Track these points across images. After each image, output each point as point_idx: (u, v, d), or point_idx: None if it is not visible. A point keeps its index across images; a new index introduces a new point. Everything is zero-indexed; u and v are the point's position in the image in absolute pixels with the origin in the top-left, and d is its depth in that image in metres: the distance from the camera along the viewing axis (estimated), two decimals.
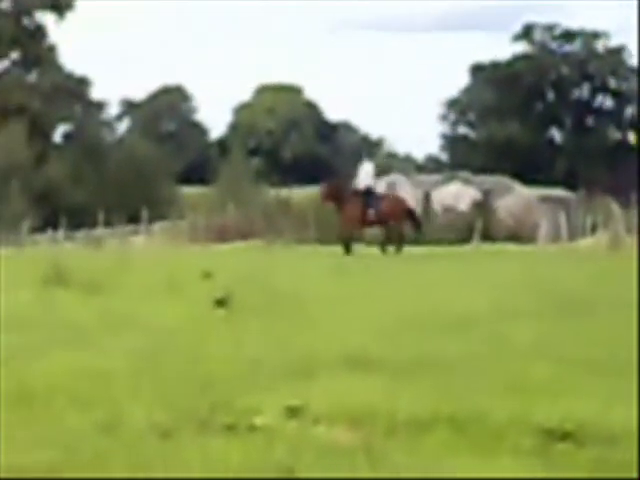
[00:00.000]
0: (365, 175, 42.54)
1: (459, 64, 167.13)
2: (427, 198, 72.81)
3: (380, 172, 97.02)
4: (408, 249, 41.76)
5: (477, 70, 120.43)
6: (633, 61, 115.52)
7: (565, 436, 8.49)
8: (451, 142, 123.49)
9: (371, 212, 40.99)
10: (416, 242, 52.05)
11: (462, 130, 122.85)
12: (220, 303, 17.16)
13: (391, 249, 40.65)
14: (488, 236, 57.39)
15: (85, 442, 8.46)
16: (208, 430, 8.85)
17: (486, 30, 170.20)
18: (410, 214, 43.32)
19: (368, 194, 41.44)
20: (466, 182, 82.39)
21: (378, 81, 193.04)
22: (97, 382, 10.86)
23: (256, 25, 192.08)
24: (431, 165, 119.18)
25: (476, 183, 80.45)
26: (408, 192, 76.66)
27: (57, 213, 67.15)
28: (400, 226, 41.92)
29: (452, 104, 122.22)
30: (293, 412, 9.25)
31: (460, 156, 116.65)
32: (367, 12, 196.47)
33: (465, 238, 57.87)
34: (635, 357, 11.76)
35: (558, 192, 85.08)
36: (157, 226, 70.74)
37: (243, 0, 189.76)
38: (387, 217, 41.16)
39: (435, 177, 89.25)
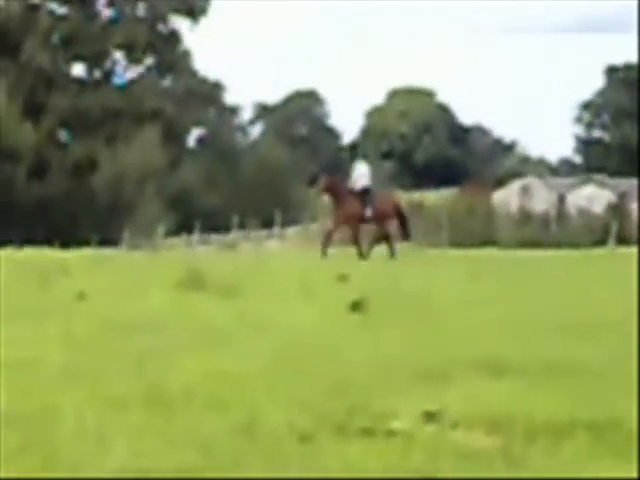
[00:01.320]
0: (360, 175, 42.31)
1: (594, 66, 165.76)
2: (562, 201, 72.35)
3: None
4: (544, 252, 41.59)
5: (611, 72, 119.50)
6: None
7: None
8: (585, 145, 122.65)
9: (368, 211, 41.49)
10: (550, 245, 51.78)
11: (596, 133, 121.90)
12: (355, 306, 17.19)
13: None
14: (623, 239, 56.94)
15: (223, 444, 8.49)
16: (345, 434, 8.84)
17: (621, 32, 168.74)
18: (401, 216, 43.61)
19: (365, 193, 41.69)
20: (601, 185, 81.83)
21: (511, 83, 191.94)
22: (234, 384, 10.91)
23: (388, 28, 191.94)
24: (565, 168, 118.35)
25: (611, 186, 79.88)
26: (542, 195, 76.24)
27: (191, 217, 67.65)
28: (389, 226, 42.96)
29: (586, 106, 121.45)
30: (430, 416, 9.22)
31: (594, 159, 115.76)
32: (501, 14, 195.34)
33: (600, 241, 57.44)
34: None
35: None
36: (290, 230, 71.06)
37: (375, 1, 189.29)
38: (382, 216, 41.99)
39: (569, 180, 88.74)
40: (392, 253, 41.64)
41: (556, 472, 7.74)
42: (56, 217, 59.33)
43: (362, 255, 40.84)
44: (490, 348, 13.14)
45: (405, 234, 44.76)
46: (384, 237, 42.80)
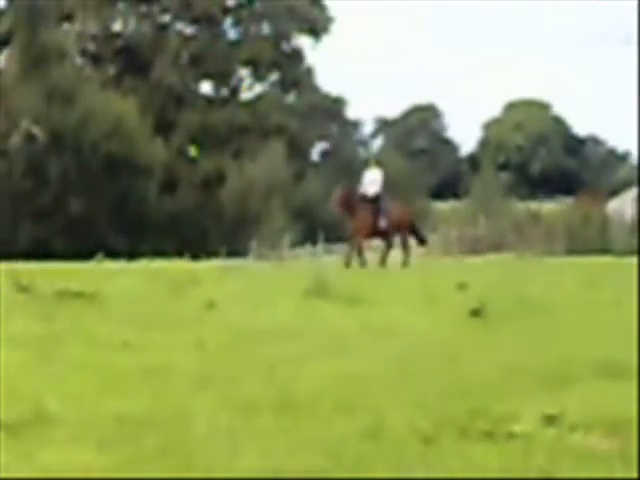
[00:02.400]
0: (370, 182, 39.92)
1: None
2: None
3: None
4: None
5: None
6: None
7: None
8: None
9: (382, 221, 38.75)
10: None
11: None
12: (475, 313, 17.17)
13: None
14: None
15: (349, 446, 8.56)
16: (467, 436, 8.87)
17: None
18: (412, 225, 41.53)
19: (376, 201, 39.10)
20: None
21: (625, 94, 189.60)
22: (359, 389, 10.97)
23: (504, 39, 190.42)
24: None
25: None
26: None
27: (315, 228, 67.80)
28: (407, 236, 40.48)
29: None
30: (550, 419, 9.21)
31: None
32: (615, 25, 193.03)
33: None
34: None
35: None
36: (411, 240, 70.99)
37: (490, 12, 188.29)
38: (398, 226, 39.49)
39: None
40: (407, 263, 38.99)
41: None
42: (186, 230, 59.66)
43: (348, 265, 37.08)
44: (608, 352, 13.07)
45: (420, 240, 43.06)
46: (389, 246, 39.88)
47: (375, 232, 38.84)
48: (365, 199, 38.50)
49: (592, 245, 55.90)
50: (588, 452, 8.39)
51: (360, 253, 37.72)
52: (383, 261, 38.39)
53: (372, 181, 39.14)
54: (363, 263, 37.42)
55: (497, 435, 8.88)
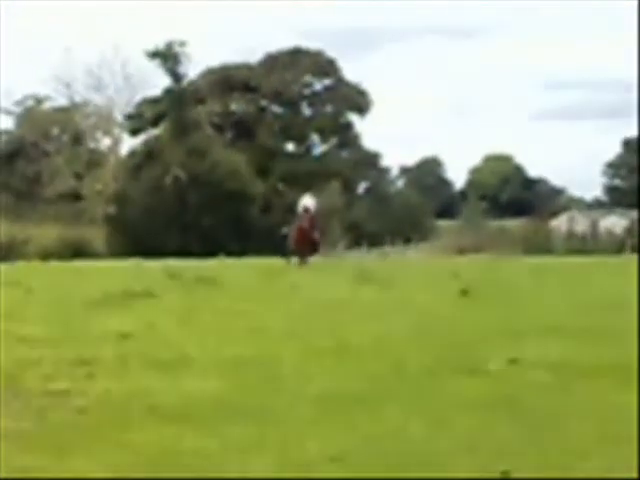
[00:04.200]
0: (306, 205, 32.70)
1: (615, 139, 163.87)
2: (594, 226, 70.76)
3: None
4: (583, 257, 40.77)
5: (627, 143, 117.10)
6: None
7: None
8: (609, 189, 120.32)
9: (315, 233, 31.99)
10: (587, 253, 50.72)
11: (617, 181, 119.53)
12: (464, 292, 17.06)
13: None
14: (635, 250, 55.36)
15: (381, 378, 8.50)
16: (458, 372, 8.80)
17: (633, 116, 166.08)
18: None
19: (312, 219, 32.35)
20: (621, 215, 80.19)
21: (561, 149, 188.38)
22: (387, 341, 10.92)
23: (487, 109, 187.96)
24: (597, 204, 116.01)
25: (627, 215, 78.10)
26: (582, 221, 74.90)
27: (361, 238, 67.93)
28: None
29: (610, 165, 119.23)
30: (513, 362, 9.15)
31: (615, 198, 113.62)
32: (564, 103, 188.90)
33: (619, 250, 56.05)
34: None
35: None
36: (422, 245, 70.92)
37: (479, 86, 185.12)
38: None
39: (600, 212, 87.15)
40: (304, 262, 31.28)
41: (594, 399, 7.65)
42: (277, 238, 60.43)
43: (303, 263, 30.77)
44: (553, 317, 13.00)
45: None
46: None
47: (310, 240, 31.87)
48: (304, 218, 32.15)
49: (540, 249, 55.53)
50: (537, 383, 8.33)
51: (303, 255, 31.41)
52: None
53: (308, 205, 32.55)
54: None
55: (478, 371, 8.83)
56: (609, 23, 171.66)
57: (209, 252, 45.89)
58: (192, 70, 76.68)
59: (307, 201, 33.04)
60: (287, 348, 10.31)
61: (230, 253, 44.56)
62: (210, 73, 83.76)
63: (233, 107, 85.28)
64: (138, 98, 74.01)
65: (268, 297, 17.36)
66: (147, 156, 68.50)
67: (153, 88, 74.05)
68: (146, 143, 72.06)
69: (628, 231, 67.20)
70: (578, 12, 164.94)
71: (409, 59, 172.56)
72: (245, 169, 69.88)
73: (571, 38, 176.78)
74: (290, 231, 32.27)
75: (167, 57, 69.76)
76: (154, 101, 73.84)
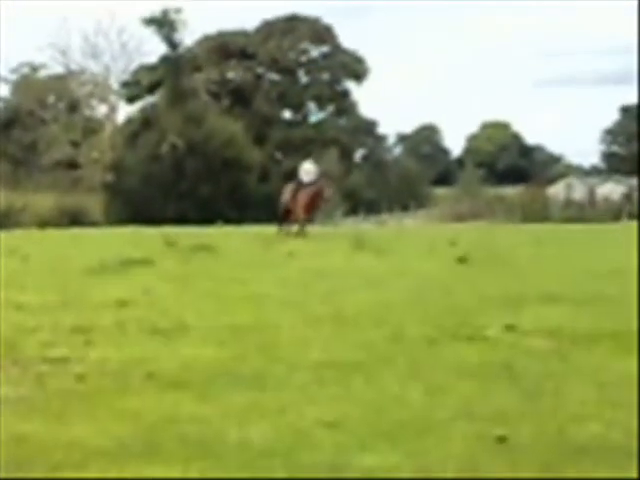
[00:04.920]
0: (305, 172, 29.63)
1: (614, 106, 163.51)
2: (592, 193, 70.74)
3: (561, 176, 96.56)
4: (581, 225, 40.78)
5: (625, 110, 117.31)
6: None
7: None
8: (607, 156, 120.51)
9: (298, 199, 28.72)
10: (584, 221, 50.73)
11: (614, 148, 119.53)
12: (461, 260, 17.07)
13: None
14: (632, 216, 55.39)
15: (379, 346, 8.52)
16: (457, 338, 8.84)
17: (631, 83, 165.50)
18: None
19: (310, 185, 28.91)
20: (617, 182, 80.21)
21: (563, 115, 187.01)
22: (385, 309, 10.92)
23: (484, 80, 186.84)
24: (595, 171, 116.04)
25: (623, 182, 78.12)
26: (580, 189, 74.92)
27: (358, 205, 67.83)
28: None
29: (608, 132, 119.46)
30: (510, 328, 9.18)
31: (613, 165, 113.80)
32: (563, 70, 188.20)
33: (616, 217, 56.10)
34: None
35: None
36: (420, 212, 70.89)
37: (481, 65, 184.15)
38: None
39: (598, 179, 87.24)
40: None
41: (592, 365, 7.69)
42: (274, 206, 60.08)
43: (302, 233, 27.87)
44: (549, 286, 13.00)
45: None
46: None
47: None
48: (303, 185, 29.31)
49: (538, 216, 55.52)
50: (535, 349, 8.35)
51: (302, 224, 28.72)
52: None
53: (307, 172, 29.68)
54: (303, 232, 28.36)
55: (476, 338, 8.85)
56: None
57: (206, 220, 45.82)
58: (188, 37, 76.52)
59: (309, 167, 30.64)
60: (284, 316, 10.33)
61: (227, 221, 44.49)
62: (207, 40, 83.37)
63: (230, 75, 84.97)
64: (134, 65, 73.71)
65: (265, 265, 17.36)
66: (144, 124, 68.27)
67: (149, 55, 73.83)
68: (143, 111, 71.82)
69: (626, 198, 67.23)
70: None
71: (406, 26, 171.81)
72: (242, 137, 69.68)
73: (570, 4, 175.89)
74: (290, 197, 29.23)
75: (163, 24, 69.39)
76: (150, 68, 73.52)
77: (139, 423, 5.97)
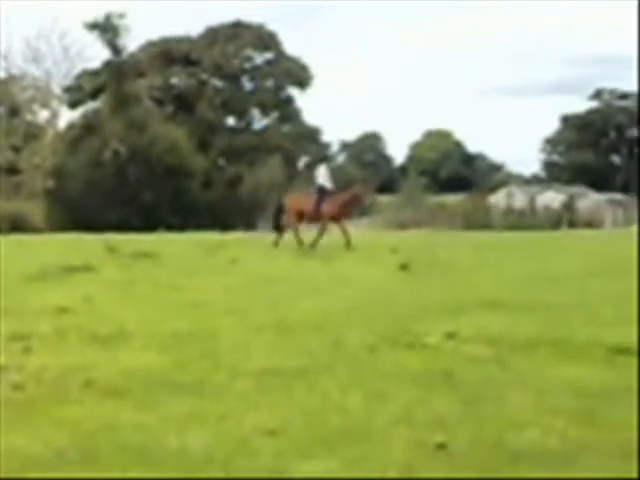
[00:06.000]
0: (320, 175, 27.24)
1: (554, 115, 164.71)
2: (532, 201, 71.54)
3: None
4: (521, 233, 41.16)
5: (565, 119, 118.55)
6: None
7: (626, 350, 8.34)
8: (547, 165, 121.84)
9: (324, 206, 25.95)
10: (525, 228, 51.24)
11: (554, 157, 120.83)
12: (403, 267, 17.14)
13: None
14: (572, 224, 56.24)
15: (321, 353, 8.51)
16: (398, 346, 8.86)
17: (572, 93, 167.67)
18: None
19: (322, 190, 26.56)
20: (557, 190, 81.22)
21: (502, 125, 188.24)
22: (328, 316, 10.87)
23: (428, 88, 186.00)
24: (535, 180, 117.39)
25: (563, 191, 79.22)
26: (520, 197, 75.64)
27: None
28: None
29: (548, 141, 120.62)
30: (450, 335, 9.22)
31: (553, 174, 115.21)
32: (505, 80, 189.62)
33: (556, 225, 56.85)
34: None
35: (618, 196, 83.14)
36: (363, 220, 71.14)
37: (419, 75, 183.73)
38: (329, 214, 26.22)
39: (538, 187, 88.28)
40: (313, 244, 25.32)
41: (530, 372, 7.75)
42: (217, 213, 59.50)
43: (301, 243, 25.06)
44: (488, 293, 13.08)
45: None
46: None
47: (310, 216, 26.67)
48: (315, 191, 27.18)
49: (479, 224, 55.98)
50: (474, 356, 8.40)
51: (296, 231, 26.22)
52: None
53: (321, 175, 27.39)
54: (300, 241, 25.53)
55: (416, 345, 8.88)
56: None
57: (149, 227, 45.56)
58: (132, 43, 76.01)
59: (325, 171, 27.56)
60: (226, 323, 10.29)
61: (170, 228, 44.28)
62: (150, 46, 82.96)
63: (173, 80, 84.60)
64: (77, 70, 73.08)
65: (208, 272, 17.29)
66: (86, 129, 67.72)
67: (92, 60, 73.13)
68: (85, 116, 71.24)
69: (565, 206, 68.08)
70: None
71: (350, 34, 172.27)
72: (185, 143, 69.43)
73: (510, 13, 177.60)
74: (313, 205, 26.34)
75: (106, 29, 68.92)
76: (93, 74, 72.94)
77: (78, 431, 5.91)
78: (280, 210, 27.12)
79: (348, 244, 24.72)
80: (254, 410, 6.38)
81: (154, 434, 5.82)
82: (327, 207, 26.22)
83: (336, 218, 26.44)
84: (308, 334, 9.58)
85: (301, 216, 26.64)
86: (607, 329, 9.50)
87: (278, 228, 26.78)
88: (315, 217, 26.69)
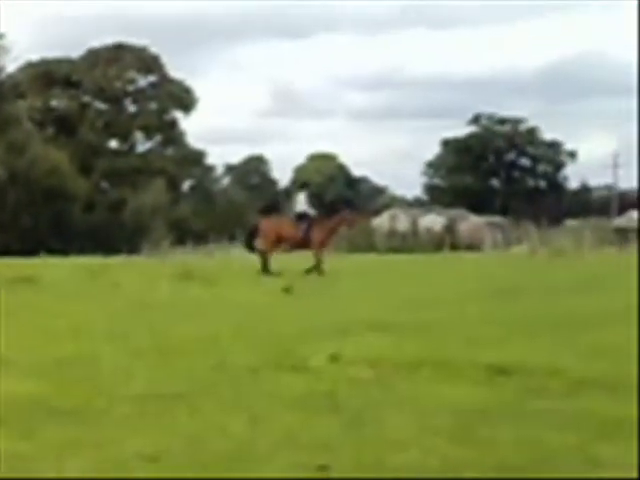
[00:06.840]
0: (298, 202, 27.24)
1: (435, 139, 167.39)
2: (415, 223, 72.61)
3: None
4: (404, 255, 41.68)
5: (445, 143, 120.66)
6: (542, 136, 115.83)
7: (503, 371, 8.51)
8: (429, 188, 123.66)
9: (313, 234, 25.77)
10: (407, 251, 51.90)
11: (436, 181, 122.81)
12: (286, 290, 17.21)
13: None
14: (454, 247, 57.16)
15: (204, 375, 8.48)
16: (281, 368, 8.88)
17: (452, 118, 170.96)
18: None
19: (302, 217, 26.43)
20: (439, 213, 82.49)
21: (384, 151, 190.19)
22: (211, 339, 10.86)
23: (319, 112, 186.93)
24: (417, 203, 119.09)
25: (444, 214, 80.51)
26: (403, 219, 76.65)
27: (185, 235, 67.53)
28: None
29: (429, 165, 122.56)
30: (334, 358, 9.26)
31: (434, 197, 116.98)
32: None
33: (438, 248, 57.68)
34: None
35: (497, 219, 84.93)
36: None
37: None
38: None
39: (420, 210, 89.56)
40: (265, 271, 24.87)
41: (412, 393, 7.84)
42: (100, 237, 58.91)
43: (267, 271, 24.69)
44: (373, 314, 13.21)
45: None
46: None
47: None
48: (294, 216, 26.94)
49: (363, 246, 56.47)
50: (357, 379, 8.46)
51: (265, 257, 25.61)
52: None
53: (299, 202, 27.23)
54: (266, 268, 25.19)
55: (299, 367, 8.91)
56: (428, 23, 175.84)
57: (29, 251, 44.70)
58: (11, 64, 74.60)
59: (303, 198, 27.18)
60: (108, 348, 10.16)
61: (51, 252, 43.53)
62: (30, 67, 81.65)
63: (54, 103, 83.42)
64: None
65: (89, 296, 17.07)
66: None
67: None
68: None
69: (446, 229, 69.23)
70: (398, 14, 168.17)
71: (233, 57, 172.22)
72: (66, 166, 68.48)
73: (391, 38, 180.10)
74: (303, 231, 25.75)
75: None
76: None
77: None
78: (253, 234, 26.53)
79: (318, 269, 24.25)
80: (134, 435, 6.31)
81: (32, 463, 5.71)
82: (316, 234, 25.83)
83: (323, 245, 26.16)
84: (190, 358, 9.53)
85: (279, 241, 25.93)
86: (485, 350, 9.68)
87: (252, 249, 26.29)
88: (303, 244, 26.02)
